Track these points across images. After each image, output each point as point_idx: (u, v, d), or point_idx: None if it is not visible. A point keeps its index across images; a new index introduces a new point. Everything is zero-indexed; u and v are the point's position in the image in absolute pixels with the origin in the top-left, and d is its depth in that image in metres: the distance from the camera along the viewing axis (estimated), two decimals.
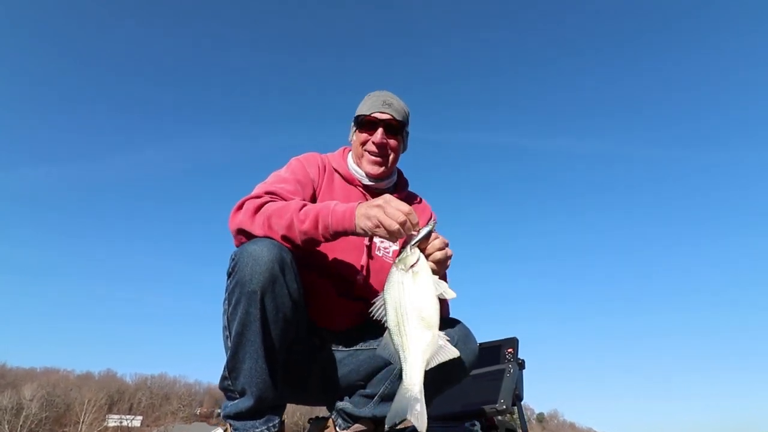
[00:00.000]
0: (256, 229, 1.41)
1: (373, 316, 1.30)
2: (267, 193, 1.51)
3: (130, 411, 67.46)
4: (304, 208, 1.40)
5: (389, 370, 1.56)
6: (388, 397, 1.55)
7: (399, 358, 1.24)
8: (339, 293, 1.64)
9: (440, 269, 1.37)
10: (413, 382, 1.21)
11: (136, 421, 65.72)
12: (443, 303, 1.45)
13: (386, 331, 1.27)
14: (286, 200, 1.50)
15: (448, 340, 1.25)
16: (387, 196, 1.34)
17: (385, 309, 1.28)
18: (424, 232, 1.32)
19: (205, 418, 72.12)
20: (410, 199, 1.88)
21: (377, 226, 1.29)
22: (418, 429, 1.17)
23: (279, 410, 1.49)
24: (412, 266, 1.28)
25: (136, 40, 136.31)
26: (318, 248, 1.57)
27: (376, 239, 1.70)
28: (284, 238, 1.39)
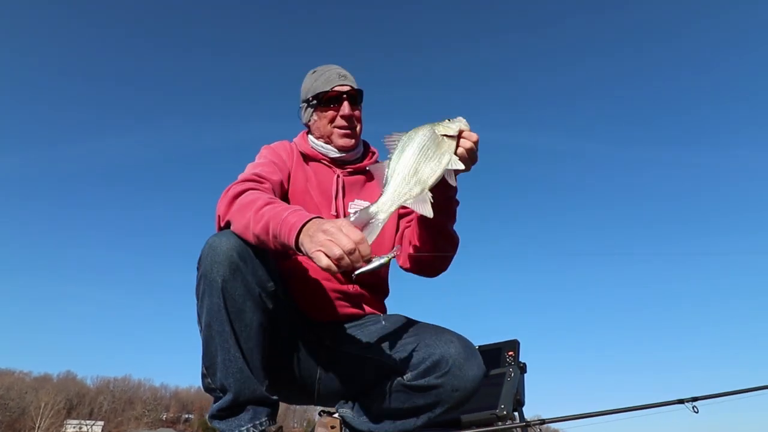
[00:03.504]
0: (232, 220, 1.44)
1: (384, 142, 1.34)
2: (254, 175, 1.55)
3: (90, 416, 66.47)
4: (265, 208, 1.34)
5: (383, 385, 1.55)
6: (383, 412, 1.55)
7: (384, 180, 1.32)
8: (327, 278, 1.64)
9: (467, 164, 1.41)
10: (382, 209, 1.28)
11: (97, 427, 64.73)
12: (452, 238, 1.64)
13: (389, 157, 1.34)
14: (269, 182, 1.57)
15: (432, 203, 1.31)
16: (340, 221, 1.20)
17: (398, 143, 1.34)
18: (377, 263, 1.21)
19: (172, 423, 71.49)
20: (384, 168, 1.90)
21: (318, 251, 1.15)
22: (367, 240, 1.21)
23: (267, 403, 1.46)
24: (444, 135, 1.35)
25: (96, 23, 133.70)
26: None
27: (351, 207, 1.73)
28: (242, 233, 1.41)
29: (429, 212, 1.30)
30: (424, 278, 1.77)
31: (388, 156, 1.34)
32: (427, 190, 1.31)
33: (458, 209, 1.65)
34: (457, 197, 1.60)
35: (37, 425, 58.43)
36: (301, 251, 1.23)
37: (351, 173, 1.80)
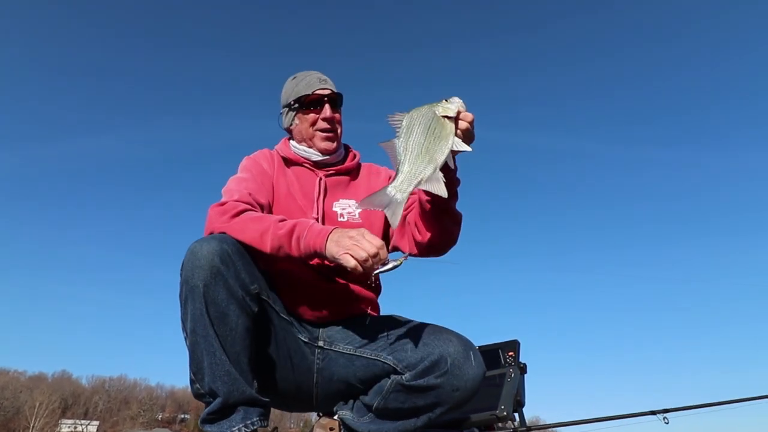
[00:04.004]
0: (231, 231, 1.49)
1: (388, 122, 1.35)
2: (250, 197, 1.62)
3: (85, 415, 66.39)
4: (284, 221, 1.49)
5: (382, 384, 1.54)
6: (382, 413, 1.54)
7: (398, 159, 1.32)
8: (316, 277, 1.65)
9: (467, 144, 1.42)
10: (401, 188, 1.31)
11: (92, 427, 64.69)
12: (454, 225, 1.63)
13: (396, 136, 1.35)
14: (261, 206, 1.63)
15: (444, 183, 1.32)
16: (362, 229, 1.40)
17: (403, 123, 1.34)
18: (391, 264, 1.38)
19: (168, 423, 71.40)
20: (370, 169, 1.95)
21: (345, 254, 1.35)
22: (392, 223, 1.33)
23: (258, 404, 1.48)
24: (444, 116, 1.34)
25: (92, 20, 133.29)
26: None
27: (336, 207, 1.77)
28: (251, 239, 1.47)
29: (443, 192, 1.32)
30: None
31: (396, 136, 1.34)
32: (438, 170, 1.32)
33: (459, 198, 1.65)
34: (458, 176, 1.59)
35: (31, 425, 58.31)
36: (325, 256, 1.41)
37: (333, 175, 1.82)
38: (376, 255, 1.33)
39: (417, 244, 1.70)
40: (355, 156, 1.93)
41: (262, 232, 1.46)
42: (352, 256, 1.33)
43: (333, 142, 1.82)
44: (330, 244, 1.39)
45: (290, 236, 1.44)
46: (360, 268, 1.33)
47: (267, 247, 1.46)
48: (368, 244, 1.34)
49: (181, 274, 1.43)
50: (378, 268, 1.36)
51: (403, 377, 1.47)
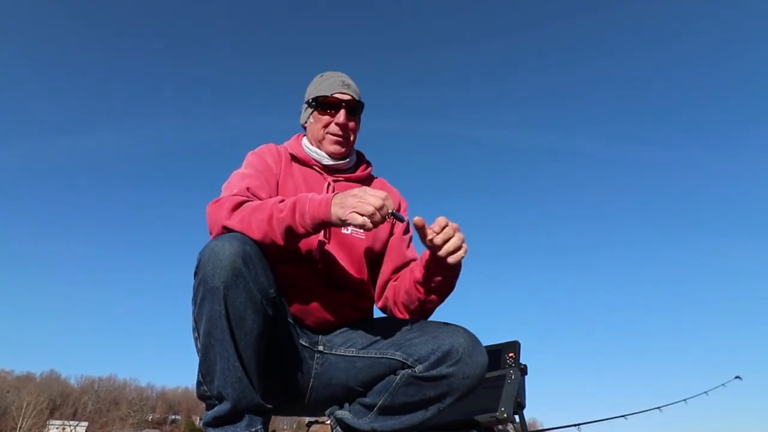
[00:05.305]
0: (234, 224, 1.46)
1: None
2: (247, 191, 1.60)
3: (74, 416, 66.13)
4: (283, 201, 1.47)
5: (389, 381, 1.54)
6: (388, 409, 1.54)
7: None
8: (318, 284, 1.65)
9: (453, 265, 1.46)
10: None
11: (81, 428, 64.45)
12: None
13: None
14: (261, 198, 1.59)
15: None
16: (363, 186, 1.42)
17: None
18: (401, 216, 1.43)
19: (158, 425, 71.27)
20: (383, 185, 1.95)
21: (352, 212, 1.35)
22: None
23: (262, 413, 1.46)
24: None
25: (88, 15, 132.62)
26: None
27: None
28: (264, 231, 1.44)
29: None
30: None
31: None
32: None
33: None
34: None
35: (18, 425, 58.03)
36: (332, 223, 1.41)
37: (342, 181, 1.82)
38: (382, 207, 1.34)
39: (396, 304, 1.74)
40: (367, 166, 1.92)
41: (269, 218, 1.43)
42: (359, 213, 1.33)
43: (342, 147, 1.80)
44: (334, 208, 1.38)
45: (293, 214, 1.42)
46: (369, 224, 1.34)
47: (277, 232, 1.43)
48: (372, 197, 1.35)
49: (196, 273, 1.39)
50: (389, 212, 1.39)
51: (416, 369, 1.47)
